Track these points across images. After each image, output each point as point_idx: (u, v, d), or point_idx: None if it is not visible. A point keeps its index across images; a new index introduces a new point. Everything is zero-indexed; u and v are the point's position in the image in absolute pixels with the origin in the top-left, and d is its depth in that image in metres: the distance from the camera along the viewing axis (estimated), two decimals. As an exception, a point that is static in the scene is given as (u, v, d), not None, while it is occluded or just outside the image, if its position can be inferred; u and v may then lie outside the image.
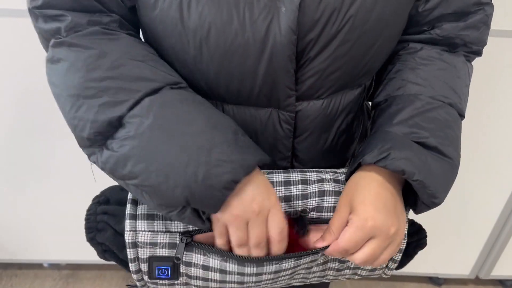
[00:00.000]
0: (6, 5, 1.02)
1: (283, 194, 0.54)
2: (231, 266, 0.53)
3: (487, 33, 0.60)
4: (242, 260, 0.52)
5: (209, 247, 0.54)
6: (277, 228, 0.50)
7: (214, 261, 0.54)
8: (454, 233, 1.39)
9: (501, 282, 1.55)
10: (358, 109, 0.62)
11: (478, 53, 0.61)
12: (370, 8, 0.49)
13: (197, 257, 0.55)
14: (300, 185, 0.55)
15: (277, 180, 0.56)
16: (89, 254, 1.43)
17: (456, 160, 0.53)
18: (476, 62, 0.63)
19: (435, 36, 0.58)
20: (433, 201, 0.52)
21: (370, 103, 0.65)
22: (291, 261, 0.53)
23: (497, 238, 1.38)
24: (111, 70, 0.47)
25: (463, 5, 0.56)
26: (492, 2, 0.59)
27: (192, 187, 0.45)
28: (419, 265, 1.46)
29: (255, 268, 0.53)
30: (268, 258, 0.52)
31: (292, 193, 0.55)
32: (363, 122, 0.66)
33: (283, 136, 0.57)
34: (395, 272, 1.48)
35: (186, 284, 0.57)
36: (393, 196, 0.52)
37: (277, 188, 0.55)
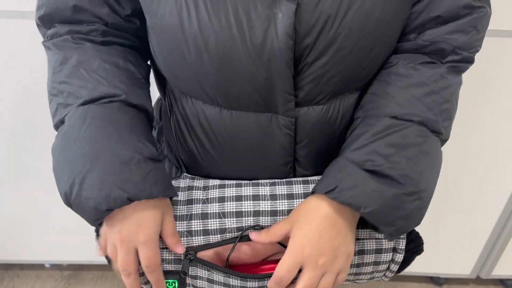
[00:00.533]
0: (7, 6, 1.02)
1: (286, 208, 0.56)
2: (234, 281, 0.55)
3: (478, 39, 0.56)
4: (244, 277, 0.55)
5: (212, 264, 0.56)
6: (143, 262, 0.54)
7: (218, 276, 0.56)
8: (455, 233, 1.39)
9: (502, 281, 1.55)
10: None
11: (470, 61, 0.58)
12: (368, 13, 0.49)
13: (202, 272, 0.57)
14: (303, 199, 0.56)
15: (280, 193, 0.57)
16: (91, 255, 1.44)
17: (415, 185, 0.51)
18: (475, 62, 0.61)
19: (420, 42, 0.55)
20: (390, 230, 0.52)
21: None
22: None
23: (498, 237, 1.38)
24: (68, 76, 0.54)
25: (452, 8, 0.53)
26: (490, 4, 0.57)
27: (70, 199, 0.51)
28: (420, 265, 1.43)
29: (256, 283, 0.55)
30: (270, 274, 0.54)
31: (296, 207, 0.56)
32: None
33: (284, 141, 0.57)
34: (396, 272, 1.48)
35: None
36: (334, 228, 0.52)
37: (280, 201, 0.56)
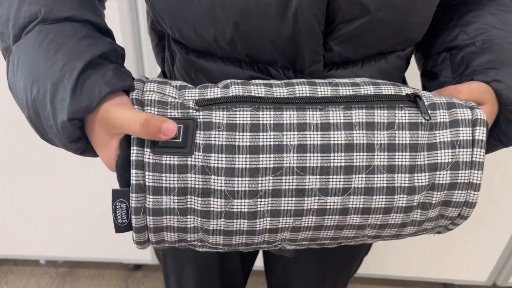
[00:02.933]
0: None
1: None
2: (265, 115, 0.42)
3: None
4: (279, 102, 0.43)
5: (236, 97, 0.42)
6: None
7: (242, 114, 0.42)
8: (471, 238, 1.33)
9: (518, 290, 1.49)
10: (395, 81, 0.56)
11: None
12: None
13: (218, 115, 0.42)
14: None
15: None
16: (88, 251, 1.39)
17: None
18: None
19: None
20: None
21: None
22: (339, 110, 0.43)
23: (517, 243, 1.32)
24: None
25: None
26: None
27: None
28: (433, 270, 1.41)
29: (295, 113, 0.42)
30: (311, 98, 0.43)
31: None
32: None
33: None
34: (407, 277, 1.42)
35: (203, 167, 0.41)
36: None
37: (344, 87, 0.45)
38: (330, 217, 0.44)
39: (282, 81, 0.46)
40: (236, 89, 0.43)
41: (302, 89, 0.44)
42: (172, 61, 0.56)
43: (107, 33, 0.48)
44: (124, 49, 0.48)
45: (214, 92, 0.44)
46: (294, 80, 0.46)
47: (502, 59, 0.50)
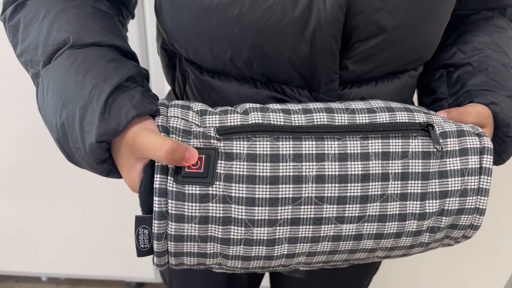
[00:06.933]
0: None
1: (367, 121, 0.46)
2: (284, 146, 0.43)
3: None
4: (299, 131, 0.43)
5: (255, 125, 0.43)
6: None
7: (262, 144, 0.43)
8: (485, 249, 1.31)
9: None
10: (406, 99, 0.57)
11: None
12: None
13: (239, 145, 0.43)
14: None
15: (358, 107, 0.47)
16: (90, 269, 1.38)
17: None
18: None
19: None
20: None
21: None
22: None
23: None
24: (22, 44, 0.49)
25: None
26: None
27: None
28: (445, 283, 1.38)
29: (314, 143, 0.43)
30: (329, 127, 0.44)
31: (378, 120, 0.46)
32: None
33: None
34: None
35: (224, 196, 0.42)
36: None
37: (361, 115, 0.46)
38: (345, 242, 0.45)
39: (300, 106, 0.46)
40: (255, 117, 0.44)
41: (320, 116, 0.45)
42: (184, 80, 0.57)
43: (131, 56, 0.50)
44: (148, 70, 0.49)
45: (234, 119, 0.44)
46: (311, 106, 0.46)
47: (496, 80, 0.53)
